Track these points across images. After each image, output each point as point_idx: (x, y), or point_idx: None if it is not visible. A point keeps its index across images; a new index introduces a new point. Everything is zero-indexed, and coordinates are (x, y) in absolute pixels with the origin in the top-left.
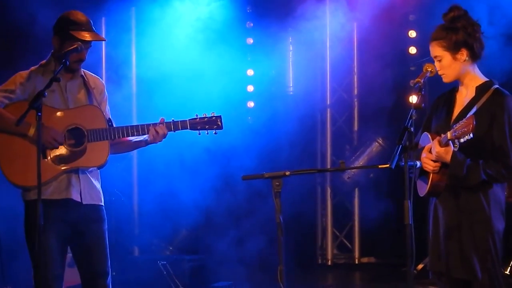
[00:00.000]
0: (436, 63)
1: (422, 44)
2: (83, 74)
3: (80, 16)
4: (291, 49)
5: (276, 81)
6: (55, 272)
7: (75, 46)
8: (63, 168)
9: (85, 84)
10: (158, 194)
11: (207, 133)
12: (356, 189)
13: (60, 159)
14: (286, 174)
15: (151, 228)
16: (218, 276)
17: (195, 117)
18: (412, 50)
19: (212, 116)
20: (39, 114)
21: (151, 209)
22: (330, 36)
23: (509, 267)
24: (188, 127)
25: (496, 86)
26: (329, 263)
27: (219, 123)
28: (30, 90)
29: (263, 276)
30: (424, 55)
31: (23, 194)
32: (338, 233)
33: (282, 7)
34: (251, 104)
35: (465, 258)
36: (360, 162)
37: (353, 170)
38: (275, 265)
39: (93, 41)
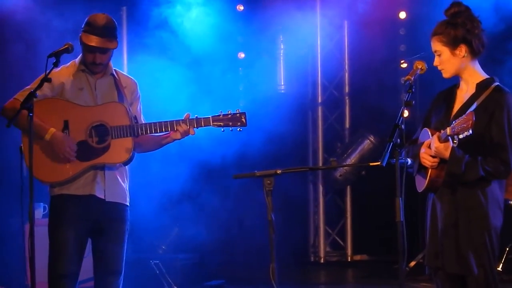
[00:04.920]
0: (436, 58)
1: (413, 41)
2: (114, 73)
3: (99, 20)
4: (282, 47)
5: (267, 80)
6: (69, 268)
7: (66, 46)
8: (86, 164)
9: (116, 83)
10: (150, 193)
11: (231, 130)
12: (348, 187)
13: (84, 156)
14: (278, 172)
15: (143, 227)
16: (210, 275)
17: (219, 113)
18: (403, 47)
19: (236, 113)
20: (31, 114)
21: (143, 208)
22: (320, 34)
23: (502, 264)
24: (211, 124)
25: (497, 83)
26: (322, 260)
27: (243, 119)
28: (58, 88)
29: (255, 274)
30: (415, 53)
31: (49, 190)
32: (330, 231)
33: (272, 6)
34: (242, 102)
35: (460, 253)
36: (352, 159)
37: (345, 167)
38: (267, 263)
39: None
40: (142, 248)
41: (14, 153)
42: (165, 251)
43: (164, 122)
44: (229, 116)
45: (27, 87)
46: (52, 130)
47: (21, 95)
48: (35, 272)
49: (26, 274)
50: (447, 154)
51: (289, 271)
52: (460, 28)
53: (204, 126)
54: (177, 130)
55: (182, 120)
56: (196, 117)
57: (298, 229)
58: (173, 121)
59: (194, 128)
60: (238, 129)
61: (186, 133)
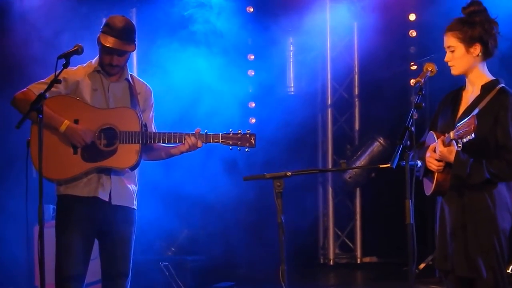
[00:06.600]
0: (448, 54)
1: (423, 43)
2: (129, 78)
3: (118, 21)
4: (291, 49)
5: (277, 82)
6: (75, 270)
7: (75, 48)
8: (91, 165)
9: (130, 88)
10: (159, 195)
11: (239, 149)
12: (358, 189)
13: (89, 157)
14: (288, 174)
15: (152, 229)
16: (220, 277)
17: (229, 131)
18: (413, 49)
19: (246, 133)
20: (40, 116)
21: (153, 209)
22: (330, 36)
23: (511, 266)
24: (220, 141)
25: (502, 85)
26: (331, 262)
27: (252, 141)
28: (73, 86)
29: (265, 276)
30: (425, 54)
31: (56, 189)
32: (340, 233)
33: (282, 7)
34: (252, 104)
35: (469, 256)
36: (362, 161)
37: (354, 170)
38: (277, 265)
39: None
40: (151, 250)
41: (21, 151)
42: (174, 253)
43: (174, 133)
44: (239, 135)
45: (42, 80)
46: (67, 122)
47: (34, 87)
48: (44, 274)
49: (34, 276)
50: (451, 158)
51: (299, 273)
52: (478, 27)
53: (213, 142)
54: (185, 143)
55: (191, 133)
56: (206, 132)
57: (308, 231)
58: (182, 133)
59: (203, 143)
60: (246, 150)
61: (194, 147)
